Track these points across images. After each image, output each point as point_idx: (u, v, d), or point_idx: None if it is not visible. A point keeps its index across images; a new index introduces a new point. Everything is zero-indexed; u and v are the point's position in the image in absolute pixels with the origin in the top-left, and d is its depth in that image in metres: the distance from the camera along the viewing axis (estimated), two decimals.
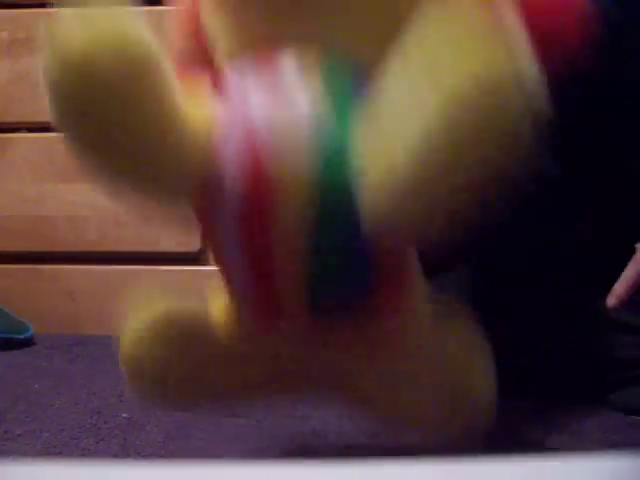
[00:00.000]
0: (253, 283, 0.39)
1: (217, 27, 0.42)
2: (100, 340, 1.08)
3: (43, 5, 1.20)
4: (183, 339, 0.40)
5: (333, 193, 0.36)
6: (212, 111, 0.38)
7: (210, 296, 0.43)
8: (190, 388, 0.40)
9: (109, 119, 0.34)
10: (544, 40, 0.34)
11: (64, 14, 0.33)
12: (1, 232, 1.17)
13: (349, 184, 0.35)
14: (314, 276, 0.38)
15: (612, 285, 0.62)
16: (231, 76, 0.40)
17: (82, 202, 1.17)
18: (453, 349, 0.42)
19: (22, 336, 1.04)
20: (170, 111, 0.35)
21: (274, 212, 0.36)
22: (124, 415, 0.71)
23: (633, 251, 0.62)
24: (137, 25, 0.34)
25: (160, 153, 0.36)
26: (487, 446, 0.39)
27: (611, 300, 0.62)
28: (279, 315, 0.40)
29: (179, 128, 0.36)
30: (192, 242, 1.17)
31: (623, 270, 0.62)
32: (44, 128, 1.19)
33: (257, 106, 0.37)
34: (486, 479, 0.22)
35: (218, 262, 0.41)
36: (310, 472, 0.23)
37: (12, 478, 0.21)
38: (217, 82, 0.40)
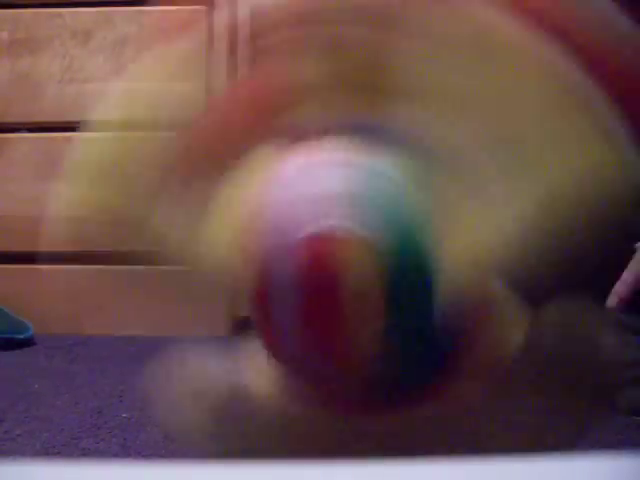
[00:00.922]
0: (320, 365, 0.37)
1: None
2: (100, 340, 1.09)
3: (43, 5, 1.20)
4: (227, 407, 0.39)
5: (407, 269, 0.34)
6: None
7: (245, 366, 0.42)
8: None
9: None
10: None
11: None
12: (1, 232, 1.17)
13: (423, 260, 0.34)
14: (388, 358, 0.36)
15: (613, 286, 0.62)
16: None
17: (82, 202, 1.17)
18: None
19: (22, 336, 1.04)
20: None
21: (344, 294, 0.34)
22: (124, 415, 0.71)
23: (633, 251, 0.62)
24: None
25: None
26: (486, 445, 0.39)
27: (612, 300, 0.62)
28: (343, 395, 0.38)
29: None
30: None
31: (623, 270, 0.62)
32: (44, 128, 1.19)
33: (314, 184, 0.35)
34: (486, 479, 0.22)
35: (272, 344, 0.39)
36: (310, 472, 0.23)
37: (12, 478, 0.21)
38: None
